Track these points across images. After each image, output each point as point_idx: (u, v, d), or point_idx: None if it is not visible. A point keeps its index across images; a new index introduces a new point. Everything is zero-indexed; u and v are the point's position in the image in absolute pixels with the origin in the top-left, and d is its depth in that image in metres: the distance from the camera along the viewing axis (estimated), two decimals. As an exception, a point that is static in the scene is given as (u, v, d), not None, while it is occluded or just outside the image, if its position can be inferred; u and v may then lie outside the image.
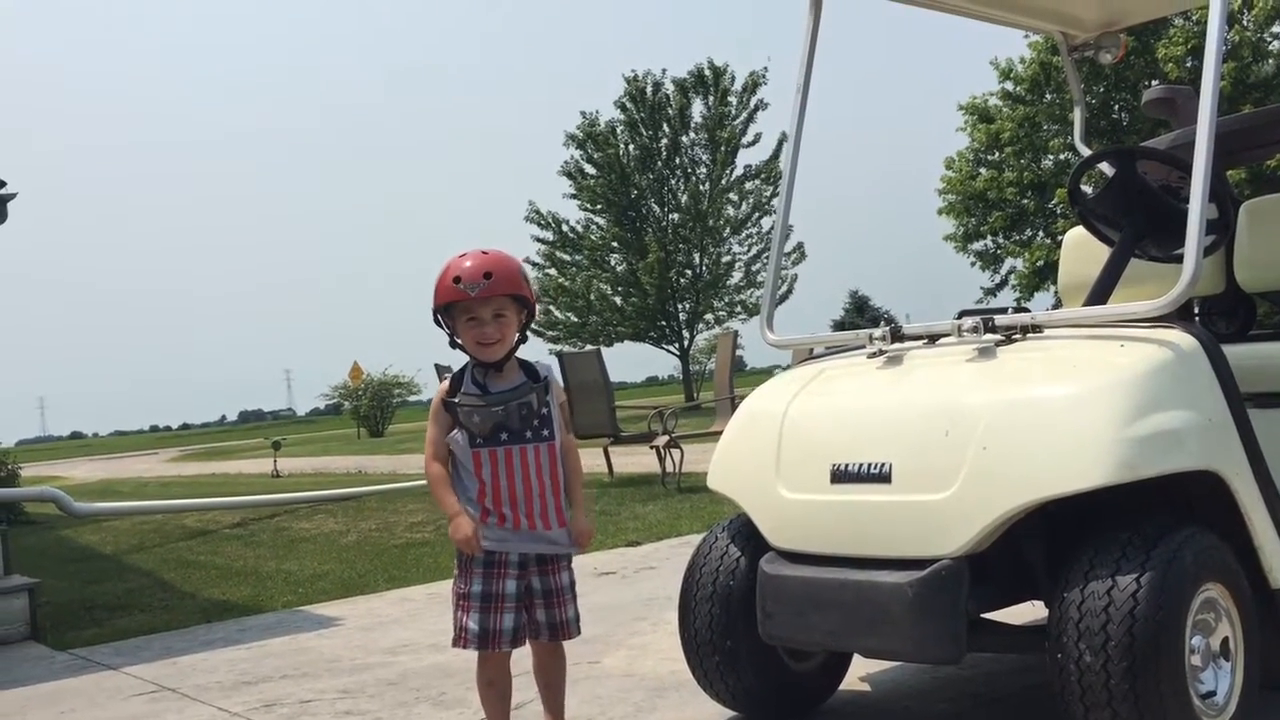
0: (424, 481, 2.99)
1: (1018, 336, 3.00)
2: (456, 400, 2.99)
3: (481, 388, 3.01)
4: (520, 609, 2.99)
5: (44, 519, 12.36)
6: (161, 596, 6.78)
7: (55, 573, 7.67)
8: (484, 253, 2.95)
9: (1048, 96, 28.39)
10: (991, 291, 31.39)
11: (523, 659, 3.11)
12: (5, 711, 4.37)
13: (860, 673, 3.71)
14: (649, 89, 36.82)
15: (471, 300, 2.92)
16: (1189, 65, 24.40)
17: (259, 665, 4.76)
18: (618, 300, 36.48)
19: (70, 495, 11.25)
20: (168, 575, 7.62)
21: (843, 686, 3.52)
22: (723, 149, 35.96)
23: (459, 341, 3.01)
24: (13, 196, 8.57)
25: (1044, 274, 28.48)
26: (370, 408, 41.62)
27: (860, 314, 56.19)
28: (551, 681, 3.13)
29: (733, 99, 36.40)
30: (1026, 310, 3.08)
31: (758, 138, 36.22)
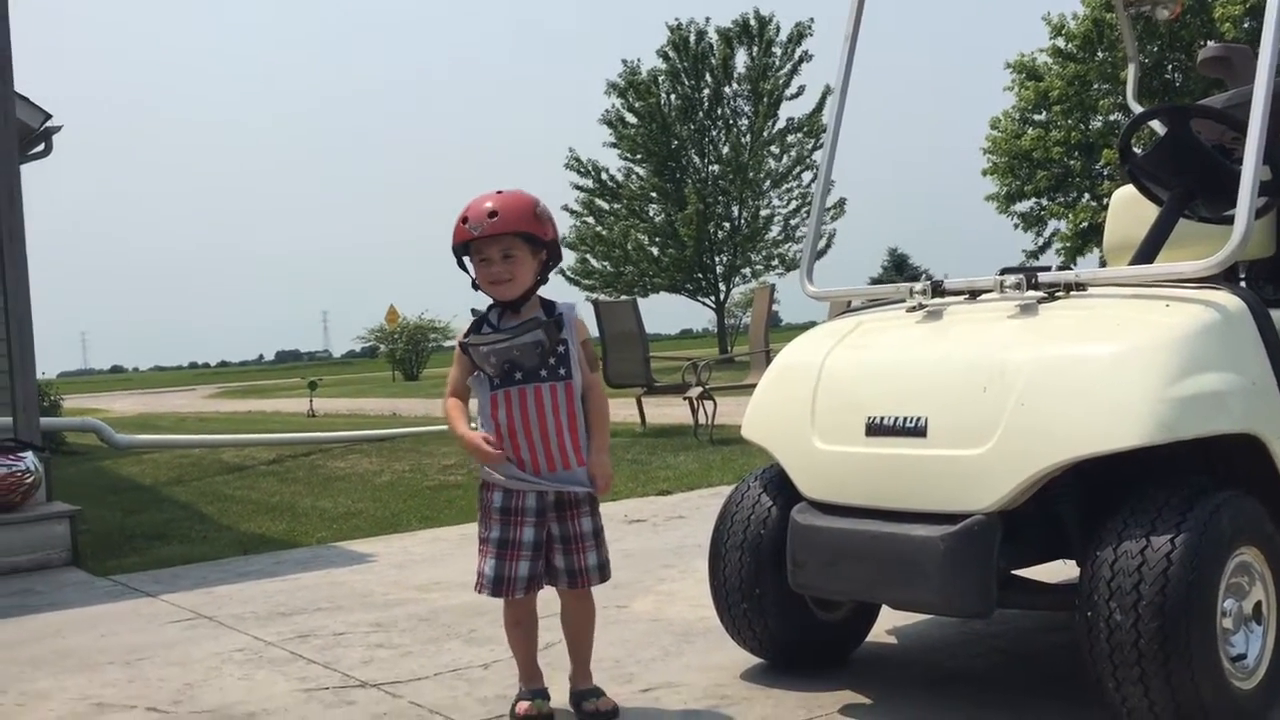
0: (458, 425, 3.00)
1: (1060, 294, 2.97)
2: (469, 340, 3.00)
3: (496, 329, 3.00)
4: (538, 557, 2.97)
5: (85, 450, 12.58)
6: (199, 528, 6.90)
7: (95, 502, 7.82)
8: (499, 193, 2.95)
9: (1099, 55, 27.88)
10: (1034, 254, 31.08)
11: (555, 601, 3.13)
12: (46, 633, 4.47)
13: (888, 625, 3.73)
14: (692, 38, 36.47)
15: (479, 239, 2.92)
16: (1246, 26, 23.85)
17: (293, 597, 4.85)
18: (655, 251, 36.36)
19: (110, 427, 11.45)
20: (205, 508, 7.75)
21: (870, 638, 3.53)
22: (765, 101, 35.61)
23: (479, 284, 3.01)
24: (58, 129, 8.61)
25: (1088, 236, 28.14)
26: (406, 351, 41.90)
27: (899, 272, 55.85)
28: (577, 629, 3.12)
29: (777, 50, 36.00)
30: (1070, 268, 3.04)
31: (801, 90, 35.88)
